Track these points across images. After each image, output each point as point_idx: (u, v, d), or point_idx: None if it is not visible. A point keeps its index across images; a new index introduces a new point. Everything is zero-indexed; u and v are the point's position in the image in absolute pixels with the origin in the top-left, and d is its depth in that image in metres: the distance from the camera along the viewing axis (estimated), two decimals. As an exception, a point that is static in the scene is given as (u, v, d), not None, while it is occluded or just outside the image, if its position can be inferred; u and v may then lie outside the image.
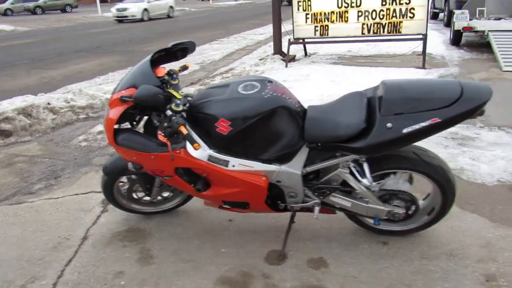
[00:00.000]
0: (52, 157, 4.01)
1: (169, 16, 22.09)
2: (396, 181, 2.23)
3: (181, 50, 2.35)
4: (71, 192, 3.23)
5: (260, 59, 8.32)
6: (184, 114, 2.09)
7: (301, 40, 8.00)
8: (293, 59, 8.21)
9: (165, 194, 2.68)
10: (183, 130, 1.94)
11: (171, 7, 22.26)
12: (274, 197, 2.27)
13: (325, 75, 6.59)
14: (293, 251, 2.37)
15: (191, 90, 6.28)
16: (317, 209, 2.22)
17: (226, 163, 2.10)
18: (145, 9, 20.22)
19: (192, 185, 2.19)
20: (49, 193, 3.25)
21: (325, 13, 7.50)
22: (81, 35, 15.56)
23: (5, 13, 30.55)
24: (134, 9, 19.97)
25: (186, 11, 26.90)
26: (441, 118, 1.81)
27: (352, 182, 2.11)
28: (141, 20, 19.98)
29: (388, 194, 2.20)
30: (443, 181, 2.12)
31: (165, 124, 2.03)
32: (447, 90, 1.87)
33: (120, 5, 20.54)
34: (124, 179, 2.59)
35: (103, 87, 6.50)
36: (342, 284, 2.10)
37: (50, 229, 2.73)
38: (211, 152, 2.09)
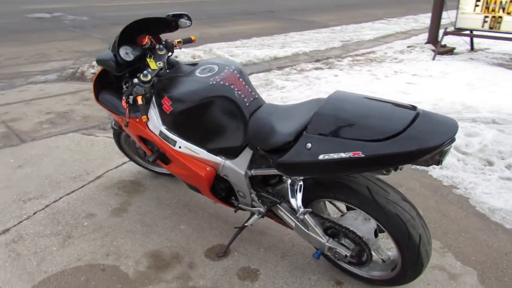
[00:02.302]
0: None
1: None
2: (355, 217, 1.82)
3: (176, 21, 2.30)
4: (127, 136, 3.64)
5: (408, 46, 7.40)
6: (155, 83, 2.11)
7: (467, 32, 6.73)
8: (450, 51, 7.05)
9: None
10: (139, 100, 1.97)
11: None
12: (228, 191, 2.13)
13: (467, 77, 5.49)
14: (239, 253, 2.21)
15: (309, 66, 6.09)
16: (255, 216, 2.00)
17: (174, 142, 2.05)
18: None
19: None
20: (114, 133, 3.73)
21: (501, 2, 6.11)
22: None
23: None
24: None
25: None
26: (365, 153, 1.37)
27: (290, 200, 1.81)
28: None
29: (335, 229, 1.81)
30: (399, 235, 1.62)
31: (128, 91, 2.09)
32: (391, 119, 1.39)
33: None
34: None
35: (233, 50, 6.86)
36: (252, 305, 1.89)
37: (86, 162, 3.18)
38: (162, 128, 2.07)
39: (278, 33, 9.03)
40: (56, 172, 3.00)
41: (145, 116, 1.96)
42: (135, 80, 2.04)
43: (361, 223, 1.79)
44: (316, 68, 6.02)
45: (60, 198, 2.69)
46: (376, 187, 1.65)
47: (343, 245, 1.81)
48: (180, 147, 2.05)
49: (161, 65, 2.16)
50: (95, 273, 2.05)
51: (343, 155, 1.41)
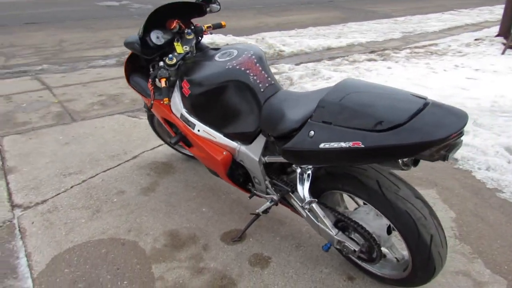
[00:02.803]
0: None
1: None
2: (367, 212, 1.73)
3: (206, 6, 2.31)
4: (168, 120, 3.76)
5: (475, 39, 6.86)
6: (181, 67, 2.15)
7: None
8: (523, 45, 6.43)
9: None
10: (162, 82, 2.02)
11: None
12: (245, 177, 2.13)
13: (539, 73, 4.99)
14: (255, 239, 2.20)
15: (362, 58, 5.86)
16: (267, 204, 1.97)
17: (193, 125, 2.08)
18: None
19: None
20: (157, 116, 3.87)
21: None
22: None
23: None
24: None
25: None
26: (365, 143, 1.29)
27: (298, 189, 1.76)
28: None
29: (345, 222, 1.74)
30: (408, 234, 1.52)
31: (154, 74, 2.14)
32: (396, 109, 1.29)
33: None
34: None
35: (286, 39, 6.79)
36: (257, 293, 1.88)
37: (126, 142, 3.33)
38: (183, 111, 2.11)
39: (336, 23, 8.81)
40: (97, 151, 3.18)
41: (166, 99, 2.00)
42: (161, 63, 2.09)
43: (373, 219, 1.71)
44: (369, 60, 5.78)
45: (97, 174, 2.84)
46: (387, 182, 1.56)
47: (352, 239, 1.73)
48: (199, 130, 2.07)
49: (188, 49, 2.19)
50: (115, 247, 2.15)
51: (343, 144, 1.35)
